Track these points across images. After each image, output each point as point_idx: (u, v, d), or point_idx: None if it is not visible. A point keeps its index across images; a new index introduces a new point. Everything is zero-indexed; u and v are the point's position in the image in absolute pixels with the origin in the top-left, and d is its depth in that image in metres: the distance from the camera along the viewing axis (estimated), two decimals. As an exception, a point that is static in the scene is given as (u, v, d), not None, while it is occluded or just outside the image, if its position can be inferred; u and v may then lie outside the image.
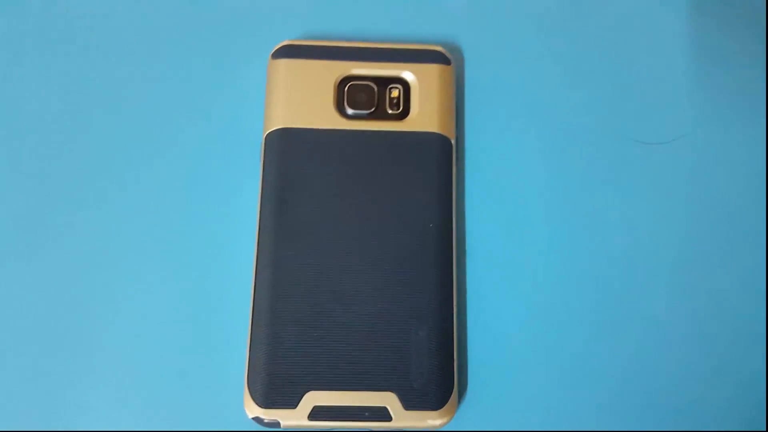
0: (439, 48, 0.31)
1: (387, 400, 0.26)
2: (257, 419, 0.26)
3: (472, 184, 0.31)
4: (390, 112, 0.30)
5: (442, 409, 0.26)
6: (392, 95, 0.30)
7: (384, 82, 0.30)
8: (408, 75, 0.30)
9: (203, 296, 0.29)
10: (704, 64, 0.32)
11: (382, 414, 0.26)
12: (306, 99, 0.29)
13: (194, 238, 0.29)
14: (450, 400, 0.26)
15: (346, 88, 0.30)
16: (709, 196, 0.31)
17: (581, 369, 0.29)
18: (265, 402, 0.26)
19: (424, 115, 0.29)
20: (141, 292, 0.29)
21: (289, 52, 0.30)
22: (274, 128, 0.29)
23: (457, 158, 0.30)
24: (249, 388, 0.26)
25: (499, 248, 0.30)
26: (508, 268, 0.29)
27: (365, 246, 0.28)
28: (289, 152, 0.29)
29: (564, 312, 0.29)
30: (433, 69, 0.30)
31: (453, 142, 0.29)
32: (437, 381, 0.26)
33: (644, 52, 0.33)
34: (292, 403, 0.26)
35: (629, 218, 0.30)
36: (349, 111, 0.29)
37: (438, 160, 0.29)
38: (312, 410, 0.26)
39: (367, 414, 0.26)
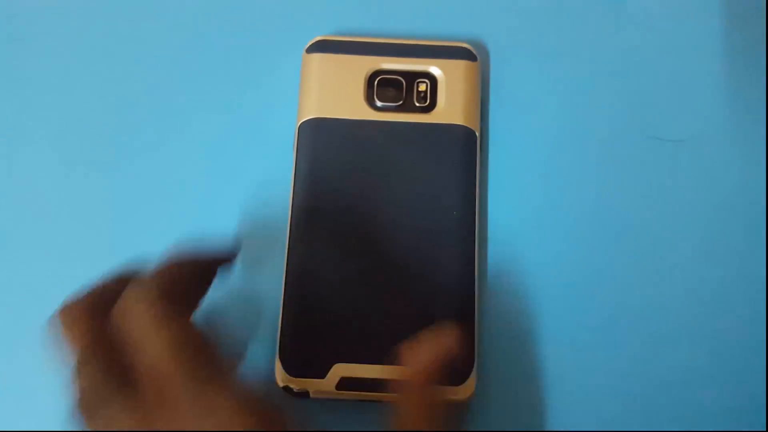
0: (465, 45, 0.32)
1: None
2: (287, 388, 0.27)
3: (495, 174, 0.32)
4: (417, 104, 0.31)
5: (463, 385, 0.27)
6: (420, 89, 0.31)
7: (412, 76, 0.31)
8: (435, 70, 0.31)
9: (239, 272, 0.30)
10: (726, 64, 0.33)
11: None
12: (338, 91, 0.31)
13: (233, 217, 0.31)
14: (470, 376, 0.28)
15: (376, 82, 0.31)
16: (722, 195, 0.31)
17: (590, 357, 0.29)
18: (296, 372, 0.27)
19: (450, 108, 0.31)
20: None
21: (322, 47, 0.32)
22: (307, 118, 0.31)
23: (481, 149, 0.31)
24: (280, 359, 0.28)
25: (519, 235, 0.31)
26: (527, 253, 0.31)
27: (392, 229, 0.29)
28: (321, 140, 0.30)
29: (579, 298, 0.30)
30: (459, 65, 0.32)
31: (477, 133, 0.31)
32: (459, 357, 0.28)
33: (665, 49, 0.33)
34: (320, 374, 0.27)
35: (646, 211, 0.31)
36: (379, 103, 0.31)
37: (462, 150, 0.30)
38: (339, 381, 0.27)
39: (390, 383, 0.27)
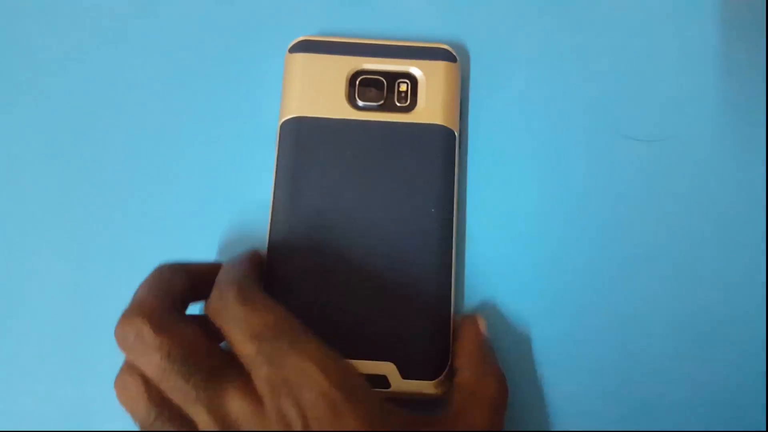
0: (445, 46, 0.32)
1: (386, 369, 0.28)
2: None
3: (473, 173, 0.32)
4: (398, 104, 0.31)
5: (438, 380, 0.28)
6: (400, 89, 0.32)
7: (393, 76, 0.32)
8: (416, 71, 0.32)
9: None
10: (706, 65, 0.34)
11: (381, 382, 0.28)
12: (319, 90, 0.31)
13: (214, 213, 0.32)
14: (445, 371, 0.28)
15: (358, 82, 0.32)
16: (701, 194, 0.32)
17: (576, 357, 0.30)
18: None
19: (430, 108, 0.31)
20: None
21: (305, 47, 0.32)
22: (289, 116, 0.31)
23: (460, 149, 0.32)
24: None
25: (496, 233, 0.31)
26: (504, 251, 0.31)
27: (371, 226, 0.29)
28: (302, 139, 0.31)
29: (556, 297, 0.31)
30: (439, 65, 0.32)
31: (456, 133, 0.31)
32: (434, 353, 0.28)
33: (643, 50, 0.34)
34: None
35: (624, 212, 0.32)
36: (360, 103, 0.31)
37: (442, 150, 0.31)
38: None
39: (367, 379, 0.28)
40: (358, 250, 0.29)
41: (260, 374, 0.23)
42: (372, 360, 0.28)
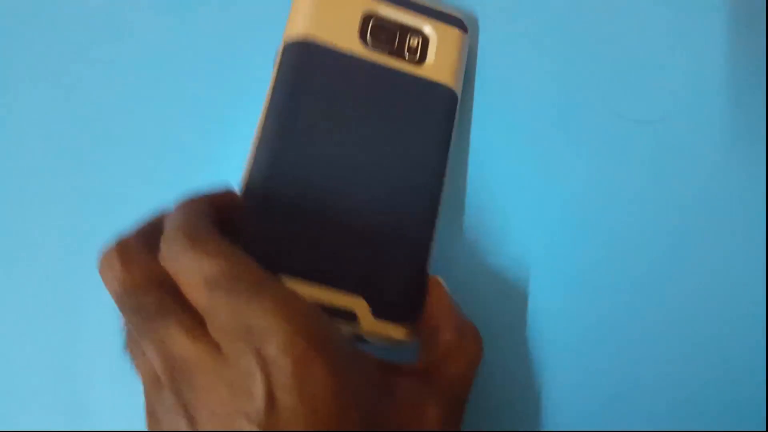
0: (458, 14, 0.33)
1: (357, 304, 0.26)
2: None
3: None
4: (407, 57, 0.31)
5: (411, 325, 0.27)
6: (411, 44, 0.31)
7: (405, 29, 0.31)
8: (428, 29, 0.32)
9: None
10: (701, 51, 0.34)
11: (349, 317, 0.26)
12: (332, 18, 0.30)
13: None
14: (418, 317, 0.27)
15: (371, 23, 0.31)
16: (698, 178, 0.31)
17: (571, 354, 0.29)
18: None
19: (437, 68, 0.31)
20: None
21: None
22: (296, 38, 0.30)
23: (460, 112, 0.31)
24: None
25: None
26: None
27: (361, 163, 0.28)
28: (306, 63, 0.29)
29: (549, 274, 0.30)
30: (451, 31, 0.32)
31: (458, 96, 0.31)
32: (410, 294, 0.27)
33: (651, 29, 0.34)
34: None
35: (627, 195, 0.31)
36: (369, 43, 0.30)
37: (442, 108, 0.30)
38: None
39: (335, 311, 0.26)
40: (346, 184, 0.28)
41: (216, 322, 0.21)
42: (343, 290, 0.26)
